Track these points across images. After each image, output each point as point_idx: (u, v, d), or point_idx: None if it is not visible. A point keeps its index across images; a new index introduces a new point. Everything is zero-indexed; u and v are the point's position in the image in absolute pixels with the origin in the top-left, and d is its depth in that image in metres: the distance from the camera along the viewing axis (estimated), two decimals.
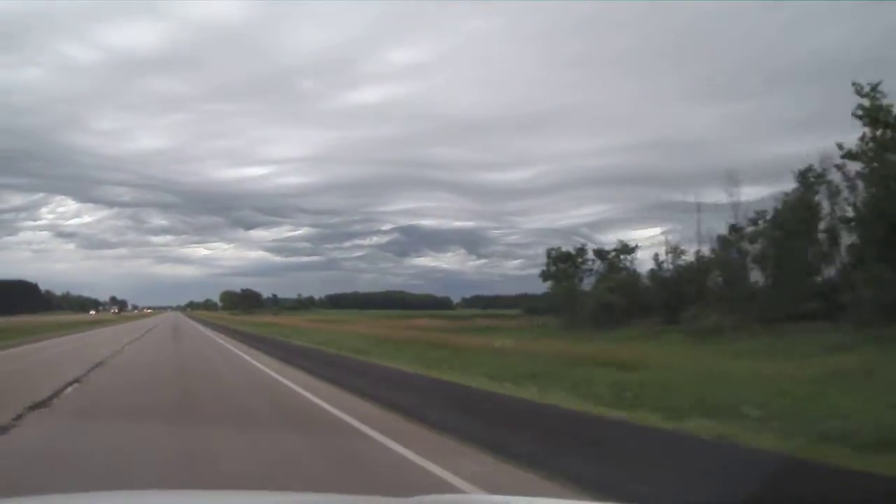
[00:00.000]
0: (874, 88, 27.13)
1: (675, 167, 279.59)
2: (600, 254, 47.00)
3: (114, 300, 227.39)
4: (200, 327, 65.04)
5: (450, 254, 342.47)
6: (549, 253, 50.30)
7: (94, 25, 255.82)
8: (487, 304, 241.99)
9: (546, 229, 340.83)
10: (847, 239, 29.96)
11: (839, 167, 29.93)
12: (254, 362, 22.23)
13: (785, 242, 31.19)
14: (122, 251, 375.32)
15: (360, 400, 12.44)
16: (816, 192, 32.23)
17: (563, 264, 49.16)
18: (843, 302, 26.82)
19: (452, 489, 6.03)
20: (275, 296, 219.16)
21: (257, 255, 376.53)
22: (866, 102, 27.15)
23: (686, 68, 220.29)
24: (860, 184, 28.98)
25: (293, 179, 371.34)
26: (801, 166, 32.38)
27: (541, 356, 18.64)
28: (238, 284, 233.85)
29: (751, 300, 30.82)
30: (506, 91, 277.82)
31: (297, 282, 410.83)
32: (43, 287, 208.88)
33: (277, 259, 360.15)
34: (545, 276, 50.33)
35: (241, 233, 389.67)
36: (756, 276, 34.10)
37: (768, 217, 34.23)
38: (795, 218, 31.18)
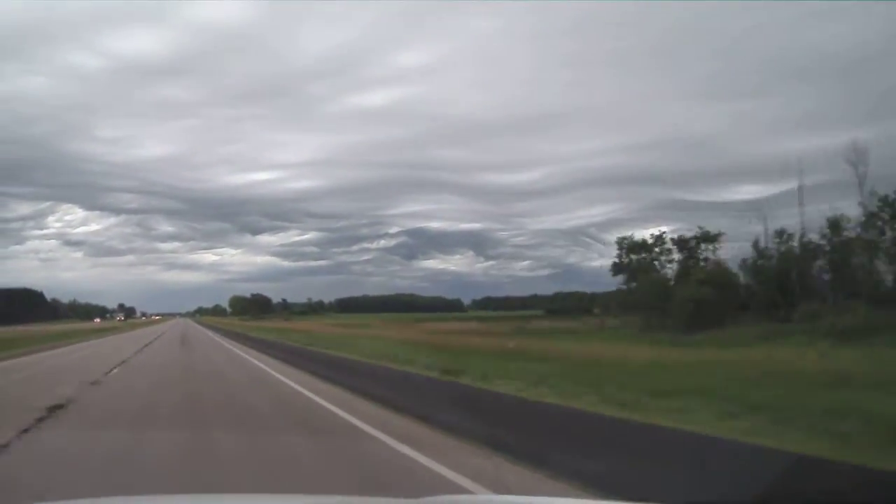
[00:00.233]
0: None
1: (680, 166, 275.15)
2: (681, 243, 39.91)
3: (122, 307, 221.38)
4: (212, 335, 58.58)
5: (457, 256, 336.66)
6: (620, 243, 43.41)
7: (99, 32, 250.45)
8: (498, 306, 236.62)
9: (553, 230, 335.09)
10: None
11: None
12: (301, 389, 15.70)
13: None
14: (130, 258, 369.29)
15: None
16: None
17: (639, 255, 42.19)
18: None
19: None
20: (284, 300, 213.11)
21: (265, 260, 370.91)
22: None
23: (691, 66, 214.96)
24: None
25: (300, 184, 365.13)
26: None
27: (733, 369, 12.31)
28: (246, 290, 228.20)
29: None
30: (512, 92, 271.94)
31: (305, 286, 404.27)
32: (51, 295, 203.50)
33: (285, 264, 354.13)
34: (617, 269, 43.43)
35: (248, 238, 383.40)
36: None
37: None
38: None
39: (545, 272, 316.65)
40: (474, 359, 19.76)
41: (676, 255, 40.05)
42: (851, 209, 29.80)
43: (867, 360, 15.49)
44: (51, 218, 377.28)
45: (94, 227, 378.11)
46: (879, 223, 27.58)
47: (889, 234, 27.61)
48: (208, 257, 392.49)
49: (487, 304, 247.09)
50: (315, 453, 7.91)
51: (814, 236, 29.74)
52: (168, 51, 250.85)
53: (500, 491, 5.84)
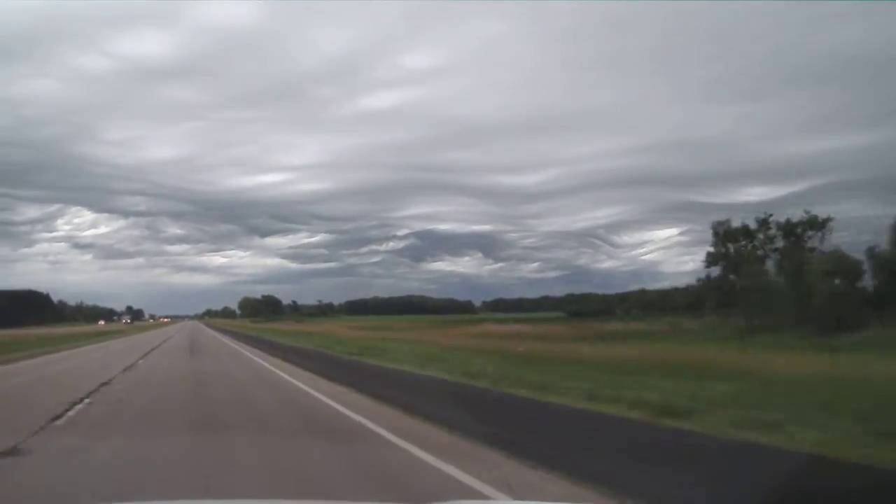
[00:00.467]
0: None
1: (690, 168, 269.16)
2: (787, 228, 33.10)
3: (130, 310, 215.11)
4: (225, 339, 52.14)
5: (466, 258, 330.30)
6: (715, 230, 36.41)
7: (106, 34, 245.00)
8: (510, 308, 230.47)
9: (562, 232, 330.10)
10: None
11: None
12: (379, 429, 9.10)
13: None
14: (139, 261, 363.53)
15: None
16: None
17: (738, 242, 35.33)
18: None
19: None
20: (294, 302, 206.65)
21: (274, 262, 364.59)
22: None
23: (700, 68, 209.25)
24: None
25: (308, 186, 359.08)
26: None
27: None
28: (255, 292, 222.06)
29: None
30: (520, 94, 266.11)
31: (313, 288, 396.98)
32: (60, 298, 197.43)
33: (294, 266, 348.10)
34: (712, 259, 36.59)
35: (257, 240, 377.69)
36: None
37: None
38: None
39: (554, 274, 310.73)
40: (600, 375, 13.40)
41: (780, 244, 33.24)
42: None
43: None
44: (59, 221, 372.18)
45: (102, 229, 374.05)
46: None
47: None
48: (217, 259, 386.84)
49: (499, 305, 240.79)
50: None
51: None
52: (176, 53, 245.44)
53: None
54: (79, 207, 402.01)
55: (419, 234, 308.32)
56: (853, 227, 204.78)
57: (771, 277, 31.54)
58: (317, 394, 13.18)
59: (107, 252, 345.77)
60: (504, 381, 13.70)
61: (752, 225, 34.75)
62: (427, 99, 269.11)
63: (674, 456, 6.74)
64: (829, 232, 32.22)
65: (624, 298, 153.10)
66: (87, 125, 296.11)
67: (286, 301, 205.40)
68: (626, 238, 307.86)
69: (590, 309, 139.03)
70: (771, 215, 33.84)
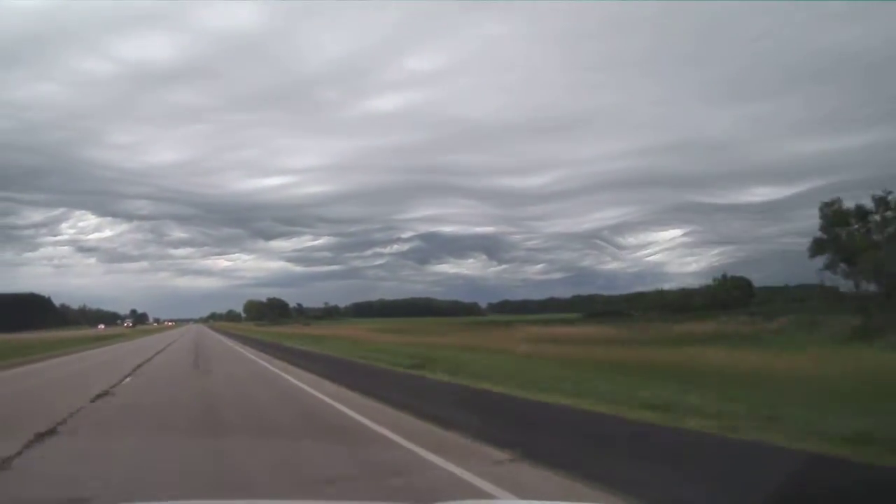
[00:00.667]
0: None
1: (694, 169, 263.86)
2: None
3: (133, 313, 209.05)
4: (233, 345, 46.23)
5: (470, 260, 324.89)
6: (822, 211, 30.04)
7: (110, 39, 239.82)
8: (516, 309, 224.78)
9: (567, 233, 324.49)
10: None
11: None
12: None
13: None
14: (143, 264, 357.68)
15: None
16: None
17: (850, 226, 29.45)
18: None
19: None
20: (299, 305, 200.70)
21: (278, 265, 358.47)
22: None
23: (704, 70, 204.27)
24: None
25: (313, 189, 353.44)
26: None
27: None
28: (259, 295, 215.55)
29: None
30: (525, 96, 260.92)
31: (318, 291, 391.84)
32: (64, 302, 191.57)
33: (298, 269, 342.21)
34: (818, 247, 30.49)
35: (261, 243, 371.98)
36: None
37: None
38: None
39: (558, 275, 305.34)
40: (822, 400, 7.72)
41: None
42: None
43: None
44: (64, 224, 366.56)
45: (107, 233, 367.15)
46: None
47: None
48: (221, 263, 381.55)
49: (504, 307, 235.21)
50: None
51: None
52: (181, 56, 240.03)
53: None
54: (83, 211, 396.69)
55: (423, 237, 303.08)
56: None
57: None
58: (421, 450, 7.26)
59: (111, 256, 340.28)
60: (727, 417, 7.96)
61: (868, 204, 28.75)
62: (431, 101, 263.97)
63: None
64: None
65: (634, 299, 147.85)
66: (92, 129, 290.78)
67: (291, 304, 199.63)
68: (631, 239, 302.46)
69: (604, 310, 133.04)
70: (890, 192, 28.15)
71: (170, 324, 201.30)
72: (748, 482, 5.41)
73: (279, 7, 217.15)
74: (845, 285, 29.52)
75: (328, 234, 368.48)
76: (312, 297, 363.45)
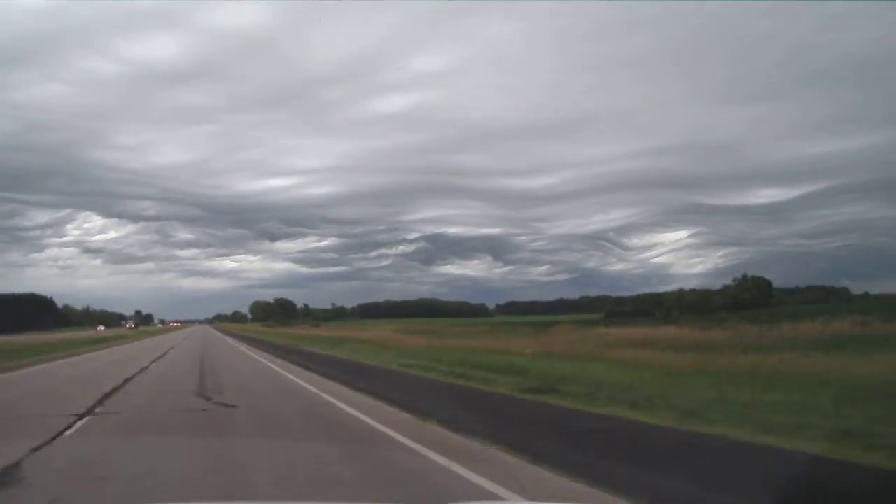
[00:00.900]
0: None
1: (700, 170, 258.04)
2: None
3: (139, 314, 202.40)
4: (246, 349, 40.01)
5: (476, 261, 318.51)
6: None
7: (115, 39, 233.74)
8: (524, 310, 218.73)
9: (572, 235, 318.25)
10: None
11: None
12: None
13: None
14: (149, 265, 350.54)
15: None
16: None
17: None
18: None
19: None
20: (306, 306, 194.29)
21: (284, 266, 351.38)
22: None
23: (710, 71, 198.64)
24: None
25: (318, 190, 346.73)
26: None
27: None
28: (265, 296, 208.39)
29: None
30: (530, 96, 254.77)
31: (323, 292, 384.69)
32: (70, 303, 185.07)
33: (304, 270, 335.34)
34: None
35: (266, 244, 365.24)
36: None
37: None
38: None
39: (563, 277, 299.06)
40: None
41: None
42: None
43: None
44: (69, 226, 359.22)
45: (112, 234, 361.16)
46: None
47: None
48: (227, 264, 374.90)
49: (512, 308, 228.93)
50: None
51: None
52: (186, 56, 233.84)
53: None
54: (88, 212, 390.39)
55: (429, 238, 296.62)
56: (864, 228, 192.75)
57: None
58: None
59: (116, 257, 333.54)
60: None
61: None
62: (436, 102, 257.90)
63: None
64: None
65: (644, 300, 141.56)
66: (97, 130, 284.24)
67: (298, 305, 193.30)
68: (636, 241, 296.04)
69: (618, 310, 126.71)
70: None
71: (175, 325, 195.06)
72: None
73: (285, 7, 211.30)
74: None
75: (333, 236, 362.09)
76: (318, 299, 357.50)
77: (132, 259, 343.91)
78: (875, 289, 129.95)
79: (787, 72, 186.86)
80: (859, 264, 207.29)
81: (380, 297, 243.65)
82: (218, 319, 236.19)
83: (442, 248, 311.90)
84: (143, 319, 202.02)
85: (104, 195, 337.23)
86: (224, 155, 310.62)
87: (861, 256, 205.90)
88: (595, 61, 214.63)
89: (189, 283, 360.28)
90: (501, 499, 5.05)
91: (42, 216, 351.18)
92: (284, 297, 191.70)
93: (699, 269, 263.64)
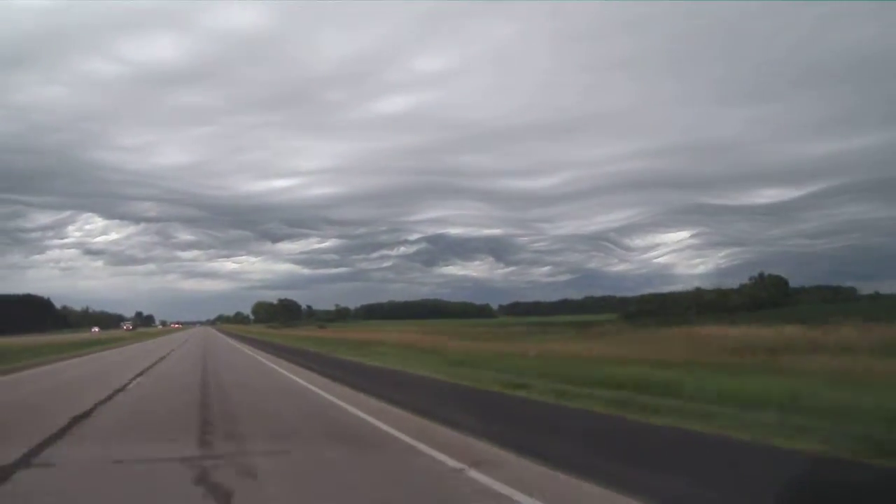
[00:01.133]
0: None
1: (702, 170, 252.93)
2: None
3: (139, 316, 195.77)
4: (256, 355, 33.93)
5: (477, 262, 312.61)
6: None
7: (117, 40, 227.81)
8: (528, 311, 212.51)
9: (573, 235, 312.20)
10: None
11: None
12: None
13: None
14: (150, 267, 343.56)
15: None
16: None
17: None
18: None
19: None
20: (309, 307, 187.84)
21: (285, 267, 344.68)
22: None
23: (713, 71, 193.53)
24: None
25: (319, 191, 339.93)
26: None
27: None
28: (266, 297, 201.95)
29: None
30: (532, 97, 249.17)
31: (325, 293, 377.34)
32: (71, 304, 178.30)
33: (305, 271, 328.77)
34: None
35: (268, 246, 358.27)
36: None
37: None
38: None
39: (565, 277, 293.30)
40: None
41: None
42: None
43: None
44: (71, 227, 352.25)
45: (114, 235, 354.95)
46: None
47: None
48: (228, 265, 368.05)
49: (516, 309, 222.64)
50: None
51: None
52: (187, 58, 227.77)
53: None
54: (90, 214, 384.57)
55: (430, 239, 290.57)
56: (864, 228, 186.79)
57: None
58: None
59: (118, 258, 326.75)
60: None
61: None
62: (438, 102, 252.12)
63: None
64: None
65: (651, 300, 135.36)
66: (99, 131, 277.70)
67: (301, 306, 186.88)
68: (638, 241, 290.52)
69: (636, 310, 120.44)
70: None
71: (176, 326, 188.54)
72: None
73: (286, 9, 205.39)
74: None
75: (335, 237, 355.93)
76: (320, 300, 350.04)
77: (134, 260, 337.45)
78: (878, 289, 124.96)
79: (789, 71, 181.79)
80: (862, 264, 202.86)
81: (382, 298, 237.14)
82: (220, 321, 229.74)
83: (443, 248, 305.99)
84: (143, 321, 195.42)
85: (106, 196, 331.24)
86: (226, 156, 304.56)
87: (863, 256, 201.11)
88: (596, 61, 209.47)
89: (190, 285, 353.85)
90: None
91: (43, 218, 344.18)
92: (287, 297, 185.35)
93: (701, 269, 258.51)
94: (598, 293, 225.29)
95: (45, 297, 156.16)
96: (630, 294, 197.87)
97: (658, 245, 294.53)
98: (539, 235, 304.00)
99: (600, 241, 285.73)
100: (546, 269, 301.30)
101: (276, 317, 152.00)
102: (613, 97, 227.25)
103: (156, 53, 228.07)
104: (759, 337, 23.62)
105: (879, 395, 8.57)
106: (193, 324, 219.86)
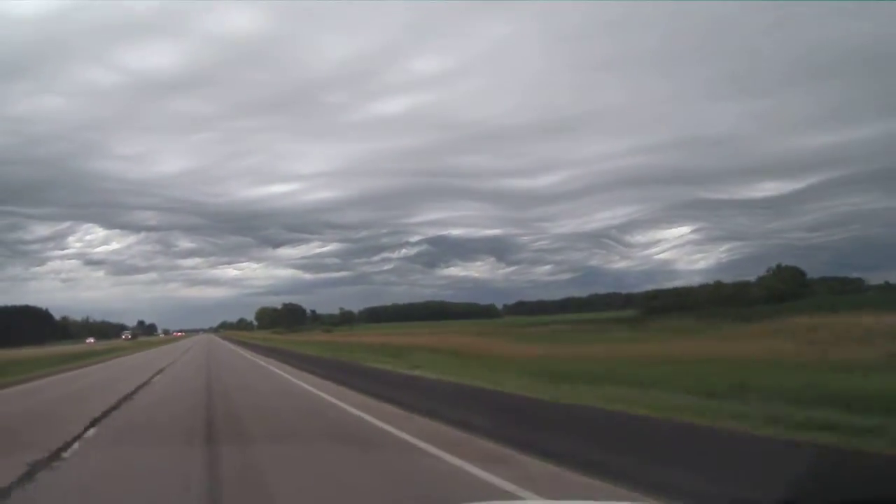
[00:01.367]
0: None
1: (701, 165, 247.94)
2: None
3: (141, 325, 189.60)
4: (266, 363, 28.40)
5: (479, 262, 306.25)
6: None
7: (114, 48, 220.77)
8: (533, 310, 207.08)
9: (574, 234, 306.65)
10: None
11: None
12: None
13: None
14: (152, 276, 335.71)
15: None
16: None
17: None
18: None
19: None
20: (314, 311, 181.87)
21: (287, 273, 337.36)
22: None
23: (709, 66, 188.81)
24: None
25: (320, 195, 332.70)
26: None
27: None
28: (269, 303, 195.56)
29: None
30: (531, 96, 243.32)
31: (328, 298, 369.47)
32: (73, 315, 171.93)
33: (308, 276, 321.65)
34: None
35: (269, 251, 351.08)
36: None
37: None
38: None
39: (567, 276, 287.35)
40: None
41: None
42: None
43: None
44: (71, 238, 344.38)
45: (114, 245, 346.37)
46: None
47: None
48: (230, 272, 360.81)
49: (521, 308, 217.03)
50: None
51: None
52: (184, 64, 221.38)
53: None
54: (90, 224, 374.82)
55: (431, 241, 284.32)
56: (863, 219, 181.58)
57: None
58: None
59: (119, 268, 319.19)
60: None
61: None
62: (437, 103, 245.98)
63: None
64: None
65: (655, 296, 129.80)
66: (97, 140, 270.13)
67: (305, 310, 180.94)
68: (639, 238, 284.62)
69: (661, 307, 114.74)
70: None
71: (179, 334, 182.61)
72: None
73: (283, 12, 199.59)
74: None
75: (336, 241, 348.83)
76: (322, 304, 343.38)
77: (135, 270, 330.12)
78: (884, 279, 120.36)
79: (787, 65, 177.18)
80: (863, 255, 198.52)
81: (385, 301, 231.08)
82: (223, 328, 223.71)
83: (445, 250, 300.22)
84: (145, 330, 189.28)
85: (105, 206, 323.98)
86: (225, 162, 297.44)
87: (864, 247, 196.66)
88: (594, 59, 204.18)
89: (192, 293, 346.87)
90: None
91: (43, 229, 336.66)
92: (290, 302, 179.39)
93: (702, 264, 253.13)
94: (601, 290, 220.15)
95: (44, 307, 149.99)
96: (633, 290, 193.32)
97: (659, 241, 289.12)
98: (540, 234, 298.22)
99: (601, 238, 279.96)
100: (547, 267, 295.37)
101: (281, 322, 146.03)
102: (611, 94, 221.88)
103: (153, 60, 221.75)
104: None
105: None
106: (196, 331, 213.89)
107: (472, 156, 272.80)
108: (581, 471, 5.94)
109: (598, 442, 7.04)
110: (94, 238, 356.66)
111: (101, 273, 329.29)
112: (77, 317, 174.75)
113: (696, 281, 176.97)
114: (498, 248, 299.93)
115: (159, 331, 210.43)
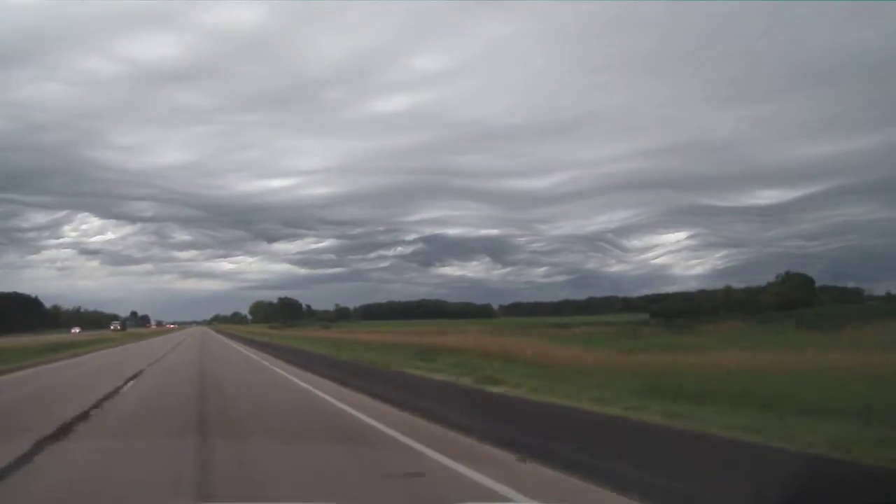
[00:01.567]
0: None
1: (699, 171, 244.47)
2: None
3: (134, 315, 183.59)
4: (269, 363, 23.53)
5: (475, 262, 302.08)
6: None
7: (115, 38, 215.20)
8: (529, 312, 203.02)
9: (571, 236, 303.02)
10: None
11: None
12: None
13: None
14: (147, 267, 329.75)
15: None
16: None
17: None
18: None
19: None
20: (309, 307, 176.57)
21: (282, 267, 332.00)
22: None
23: (709, 71, 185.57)
24: None
25: (316, 190, 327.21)
26: None
27: None
28: (263, 298, 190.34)
29: None
30: (530, 97, 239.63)
31: (322, 294, 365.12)
32: (67, 305, 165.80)
33: (302, 271, 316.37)
34: None
35: (264, 246, 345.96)
36: None
37: None
38: None
39: (562, 278, 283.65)
40: None
41: None
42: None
43: None
44: (67, 227, 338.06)
45: (110, 235, 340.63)
46: None
47: None
48: (225, 265, 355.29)
49: (517, 309, 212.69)
50: None
51: None
52: (185, 56, 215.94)
53: None
54: (86, 213, 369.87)
55: (427, 239, 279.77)
56: (861, 230, 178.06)
57: None
58: None
59: (114, 258, 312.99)
60: None
61: None
62: (436, 102, 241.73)
63: None
64: None
65: (658, 299, 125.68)
66: (95, 130, 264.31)
67: (301, 305, 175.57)
68: (636, 242, 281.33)
69: (667, 311, 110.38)
70: None
71: (171, 326, 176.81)
72: None
73: (284, 7, 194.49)
74: None
75: (332, 237, 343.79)
76: (316, 300, 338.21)
77: (130, 260, 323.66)
78: (880, 290, 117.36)
79: (788, 71, 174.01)
80: (859, 266, 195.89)
81: (379, 299, 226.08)
82: (216, 321, 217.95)
83: (440, 249, 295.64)
84: (138, 321, 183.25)
85: (102, 196, 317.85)
86: (222, 155, 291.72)
87: (861, 257, 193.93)
88: (594, 61, 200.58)
89: (187, 285, 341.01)
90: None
91: (39, 217, 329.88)
92: (286, 297, 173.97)
93: (698, 270, 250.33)
94: (596, 294, 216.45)
95: (34, 295, 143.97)
96: (630, 295, 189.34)
97: (655, 246, 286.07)
98: (536, 236, 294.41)
99: (598, 241, 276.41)
100: (543, 269, 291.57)
101: (276, 317, 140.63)
102: (612, 97, 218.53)
103: (155, 51, 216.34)
104: None
105: None
106: (189, 324, 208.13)
107: (471, 155, 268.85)
108: None
109: None
110: (90, 227, 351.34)
111: (95, 263, 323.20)
112: (70, 306, 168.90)
113: (692, 286, 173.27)
114: (494, 249, 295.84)
115: (152, 322, 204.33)
